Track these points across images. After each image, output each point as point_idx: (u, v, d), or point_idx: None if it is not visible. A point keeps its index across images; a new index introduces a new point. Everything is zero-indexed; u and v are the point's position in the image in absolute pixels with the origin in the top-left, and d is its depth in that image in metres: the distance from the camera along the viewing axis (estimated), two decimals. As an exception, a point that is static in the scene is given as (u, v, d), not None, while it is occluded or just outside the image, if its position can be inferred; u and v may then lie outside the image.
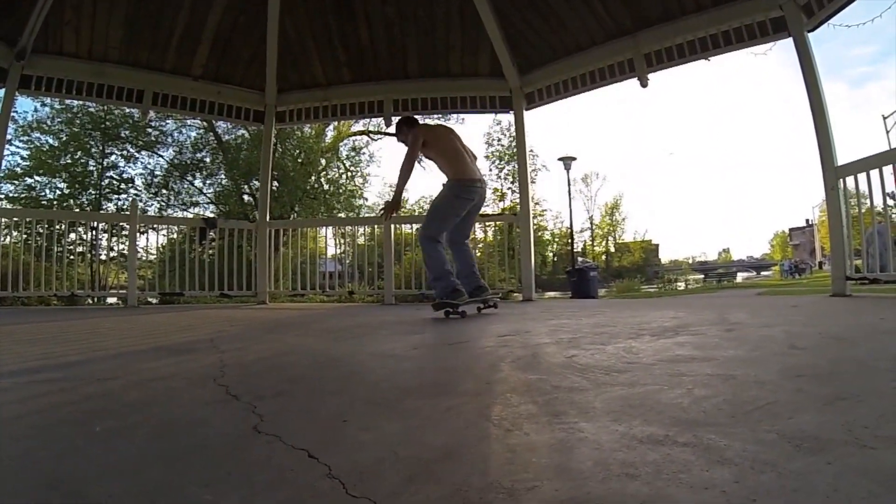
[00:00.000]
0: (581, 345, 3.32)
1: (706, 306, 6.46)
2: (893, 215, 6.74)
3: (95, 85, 9.23)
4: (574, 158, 26.32)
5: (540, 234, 57.96)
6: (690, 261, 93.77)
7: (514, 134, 30.75)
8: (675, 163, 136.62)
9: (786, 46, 7.26)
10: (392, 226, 9.51)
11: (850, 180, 6.60)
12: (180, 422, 1.99)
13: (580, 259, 30.03)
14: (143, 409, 2.18)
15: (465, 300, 5.95)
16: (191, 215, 28.48)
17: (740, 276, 66.99)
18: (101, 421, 2.00)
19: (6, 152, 24.25)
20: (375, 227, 10.16)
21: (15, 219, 9.84)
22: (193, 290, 9.67)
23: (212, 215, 26.30)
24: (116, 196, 28.64)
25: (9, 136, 23.17)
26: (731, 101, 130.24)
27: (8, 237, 9.24)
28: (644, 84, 8.47)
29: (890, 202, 6.92)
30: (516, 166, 32.21)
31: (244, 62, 9.92)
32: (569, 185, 28.45)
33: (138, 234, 9.87)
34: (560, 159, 26.35)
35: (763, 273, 76.29)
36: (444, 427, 1.79)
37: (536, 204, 52.27)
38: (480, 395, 2.21)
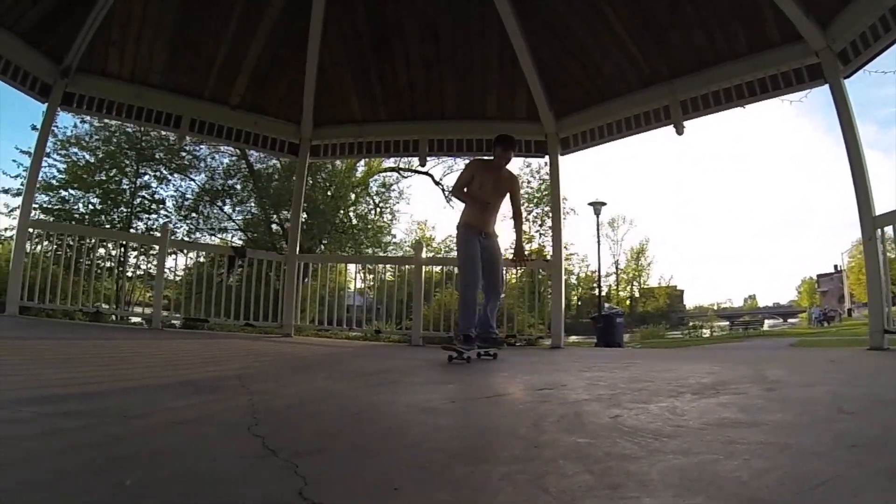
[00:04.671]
0: (622, 403, 3.24)
1: (741, 360, 6.40)
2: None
3: (135, 107, 9.35)
4: (604, 203, 26.02)
5: (566, 277, 57.67)
6: (715, 307, 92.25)
7: (544, 178, 30.98)
8: (701, 207, 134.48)
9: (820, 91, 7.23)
10: (423, 267, 9.54)
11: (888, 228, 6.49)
12: (215, 479, 1.83)
13: (606, 305, 29.47)
14: (173, 460, 2.05)
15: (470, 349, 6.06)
16: (218, 240, 28.65)
17: (767, 324, 65.68)
18: (128, 471, 1.85)
19: (43, 165, 24.72)
20: (406, 266, 10.22)
21: (50, 232, 9.94)
22: (218, 317, 9.64)
23: (240, 243, 26.35)
24: (147, 215, 28.69)
25: (47, 150, 23.76)
26: (758, 144, 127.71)
27: (38, 247, 9.26)
28: (680, 132, 8.36)
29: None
30: (544, 210, 32.18)
31: (281, 94, 9.99)
32: (598, 230, 28.14)
33: (166, 255, 9.91)
34: (590, 204, 26.11)
35: (790, 320, 74.46)
36: (500, 500, 1.69)
37: (564, 248, 52.17)
38: (531, 462, 2.09)
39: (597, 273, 31.36)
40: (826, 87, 7.02)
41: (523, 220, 7.39)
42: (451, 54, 9.37)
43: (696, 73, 8.13)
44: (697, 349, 12.17)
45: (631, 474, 1.89)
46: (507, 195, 6.78)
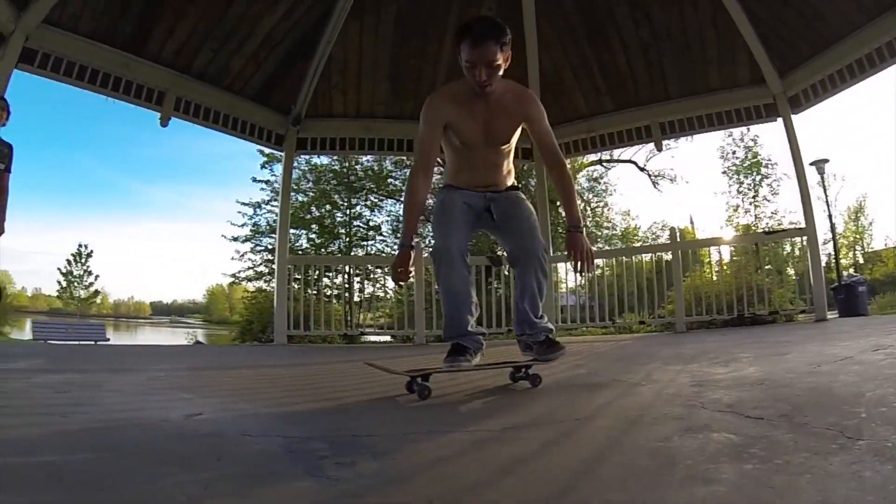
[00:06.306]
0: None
1: None
2: None
3: (366, 139, 10.19)
4: (827, 160, 23.76)
5: (782, 250, 53.90)
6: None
7: (748, 145, 29.70)
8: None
9: None
10: (679, 251, 9.62)
11: None
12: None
13: (846, 273, 27.06)
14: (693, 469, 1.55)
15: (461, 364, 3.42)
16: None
17: None
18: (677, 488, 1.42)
19: (263, 211, 28.39)
20: (662, 254, 10.39)
21: (306, 264, 11.09)
22: (482, 326, 9.91)
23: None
24: (364, 242, 30.77)
25: (266, 198, 27.76)
26: None
27: (294, 283, 10.17)
28: (930, 61, 7.42)
29: None
30: (755, 179, 30.66)
31: (505, 103, 10.26)
32: (825, 190, 25.48)
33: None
34: (812, 164, 24.00)
35: None
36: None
37: (781, 216, 49.29)
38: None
39: (828, 239, 28.83)
40: None
41: (566, 168, 3.84)
42: (666, 32, 9.24)
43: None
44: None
45: None
46: (516, 135, 3.69)
